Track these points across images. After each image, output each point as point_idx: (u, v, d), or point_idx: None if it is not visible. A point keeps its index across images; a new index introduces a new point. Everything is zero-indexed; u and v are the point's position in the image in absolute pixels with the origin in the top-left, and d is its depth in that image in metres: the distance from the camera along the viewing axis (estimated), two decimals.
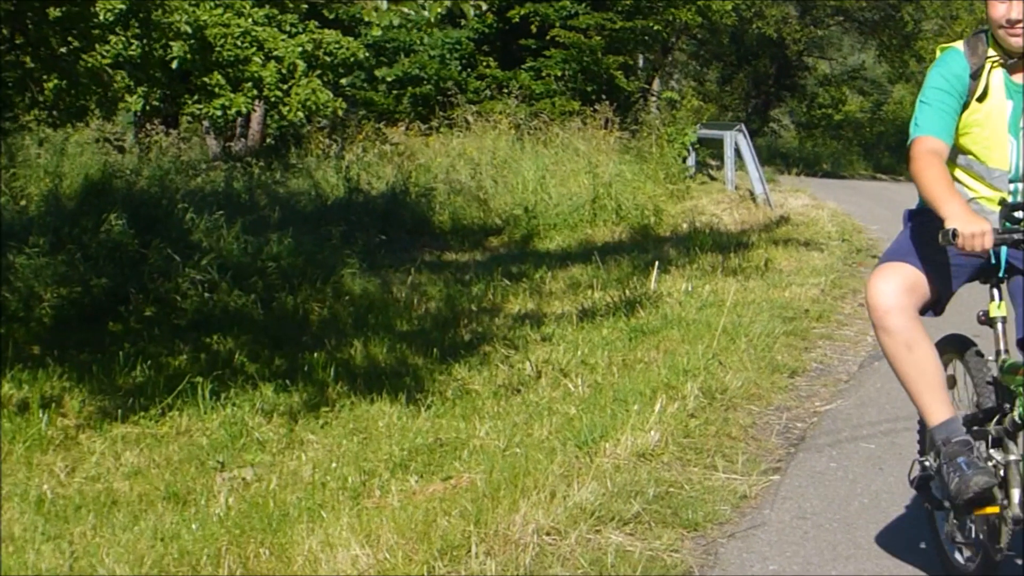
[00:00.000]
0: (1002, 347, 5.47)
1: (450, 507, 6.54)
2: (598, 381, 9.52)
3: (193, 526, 6.66)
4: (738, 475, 7.49)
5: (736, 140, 26.59)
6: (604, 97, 28.07)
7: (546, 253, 17.29)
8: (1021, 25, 5.38)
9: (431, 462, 7.70)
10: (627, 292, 13.23)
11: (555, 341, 11.04)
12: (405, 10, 9.58)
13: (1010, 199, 5.56)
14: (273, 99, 21.22)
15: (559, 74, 31.07)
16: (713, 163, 30.31)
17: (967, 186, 5.68)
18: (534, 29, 31.57)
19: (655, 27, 32.01)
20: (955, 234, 5.05)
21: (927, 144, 5.45)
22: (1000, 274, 5.58)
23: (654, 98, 35.42)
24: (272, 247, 13.61)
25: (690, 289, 13.42)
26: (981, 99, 5.55)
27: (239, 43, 19.84)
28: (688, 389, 8.97)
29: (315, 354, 10.31)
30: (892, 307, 5.45)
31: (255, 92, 20.96)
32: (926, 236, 5.48)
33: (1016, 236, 5.29)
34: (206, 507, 7.12)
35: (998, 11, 5.41)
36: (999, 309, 5.48)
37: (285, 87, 21.08)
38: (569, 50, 30.90)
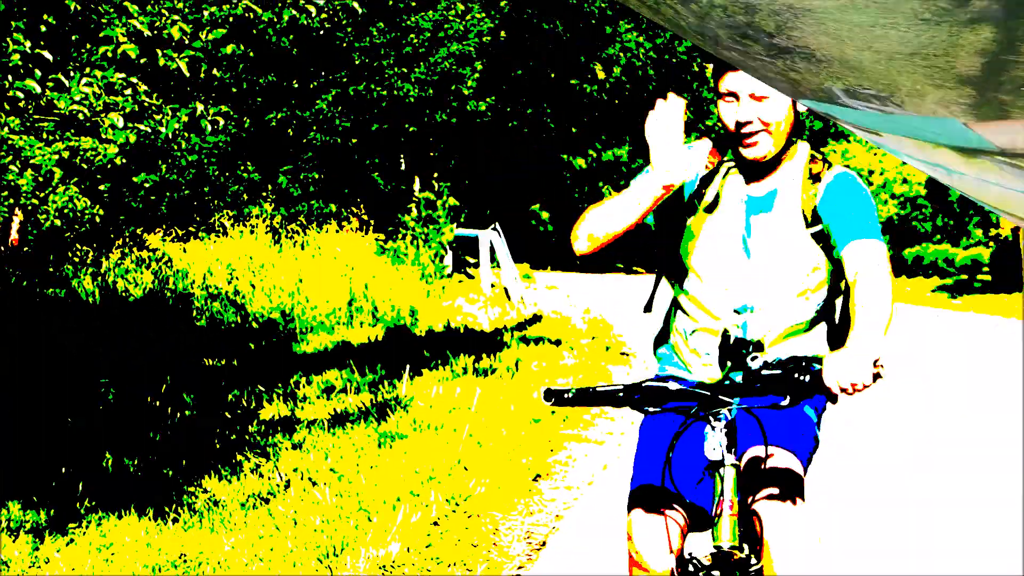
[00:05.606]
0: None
1: None
2: (346, 489, 9.67)
3: None
4: None
5: (491, 240, 27.13)
6: (361, 199, 28.32)
7: (303, 356, 17.38)
8: (752, 129, 4.39)
9: None
10: (379, 396, 13.45)
11: (306, 448, 11.09)
12: (142, 127, 9.67)
13: (734, 332, 4.52)
14: (30, 207, 21.18)
15: (317, 176, 31.30)
16: (473, 261, 30.82)
17: (689, 315, 4.74)
18: (291, 132, 31.81)
19: (411, 129, 32.49)
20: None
21: None
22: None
23: (415, 198, 35.86)
24: None
25: (440, 392, 13.67)
26: (710, 210, 4.59)
27: None
28: (432, 497, 9.21)
29: (63, 469, 10.23)
30: None
31: (12, 200, 20.88)
32: None
33: (568, 395, 4.03)
34: None
35: (726, 114, 4.41)
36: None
37: (42, 195, 21.04)
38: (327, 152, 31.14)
